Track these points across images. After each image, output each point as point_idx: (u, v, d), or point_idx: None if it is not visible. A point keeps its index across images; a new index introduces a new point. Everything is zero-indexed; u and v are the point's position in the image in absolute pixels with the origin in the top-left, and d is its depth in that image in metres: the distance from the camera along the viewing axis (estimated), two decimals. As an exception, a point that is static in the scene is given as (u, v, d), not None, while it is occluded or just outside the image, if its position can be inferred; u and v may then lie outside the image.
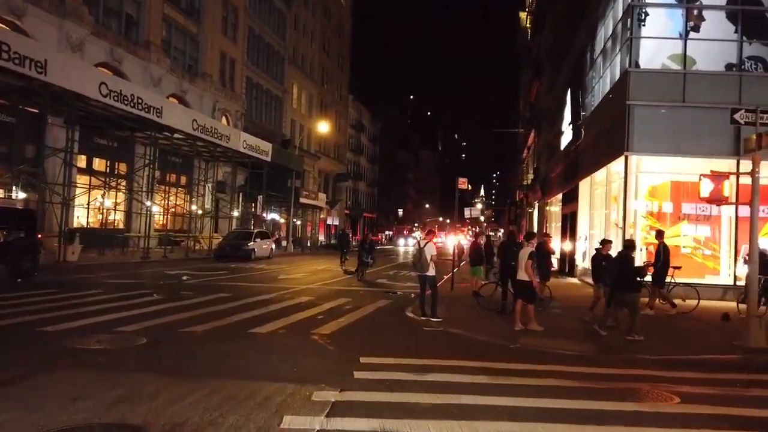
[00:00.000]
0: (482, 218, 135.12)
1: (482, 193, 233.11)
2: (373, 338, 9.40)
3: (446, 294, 15.18)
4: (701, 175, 9.70)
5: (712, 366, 8.28)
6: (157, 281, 16.55)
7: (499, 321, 11.38)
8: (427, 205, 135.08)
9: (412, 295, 15.47)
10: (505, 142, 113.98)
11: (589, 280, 17.41)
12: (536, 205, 45.11)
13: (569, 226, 26.32)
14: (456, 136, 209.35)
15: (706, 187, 9.39)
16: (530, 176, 49.97)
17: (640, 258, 15.42)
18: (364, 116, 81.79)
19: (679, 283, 13.36)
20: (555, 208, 33.87)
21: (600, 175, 19.99)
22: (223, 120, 38.26)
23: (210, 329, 9.37)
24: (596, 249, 11.81)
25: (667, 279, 12.98)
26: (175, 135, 27.85)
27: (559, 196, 30.61)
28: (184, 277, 17.65)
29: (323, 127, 50.96)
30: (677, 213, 16.46)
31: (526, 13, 63.45)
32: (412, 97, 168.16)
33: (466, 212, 41.42)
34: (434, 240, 11.94)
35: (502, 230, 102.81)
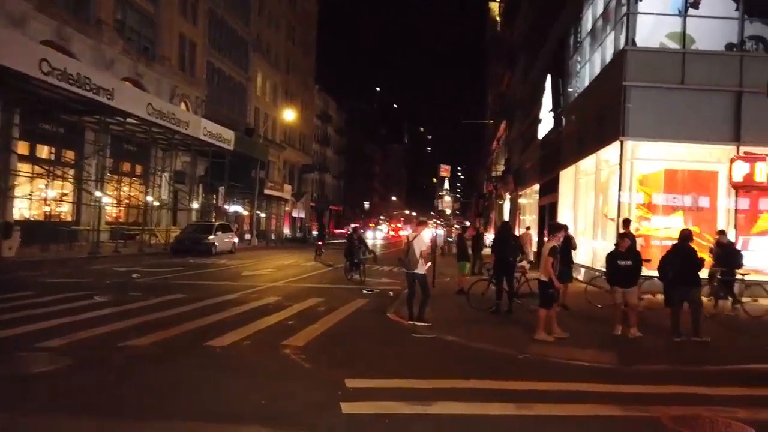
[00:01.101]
0: (448, 211, 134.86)
1: (447, 186, 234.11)
2: (357, 351, 7.86)
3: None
4: (734, 157, 8.48)
5: (750, 378, 7.08)
6: (102, 280, 14.63)
7: (497, 324, 10.02)
8: (394, 198, 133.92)
9: (391, 293, 14.06)
10: (471, 135, 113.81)
11: (580, 276, 16.30)
12: (507, 196, 44.24)
13: (548, 219, 25.27)
14: (422, 129, 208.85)
15: (740, 171, 8.18)
16: (501, 167, 49.11)
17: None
18: (330, 107, 79.78)
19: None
20: (529, 199, 32.90)
21: (586, 163, 18.89)
22: (183, 106, 35.92)
23: (158, 342, 7.70)
24: (615, 245, 10.24)
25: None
26: (129, 120, 25.60)
27: (536, 186, 29.59)
28: (135, 275, 15.73)
29: (289, 115, 48.94)
30: (671, 203, 15.41)
31: (498, 3, 62.47)
32: (378, 89, 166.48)
33: (438, 204, 40.13)
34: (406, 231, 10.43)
35: (468, 223, 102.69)
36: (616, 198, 16.53)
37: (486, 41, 78.89)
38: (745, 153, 8.94)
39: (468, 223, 49.83)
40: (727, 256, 11.40)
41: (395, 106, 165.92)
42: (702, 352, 8.29)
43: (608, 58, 16.60)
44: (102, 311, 9.95)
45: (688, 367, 7.46)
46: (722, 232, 11.85)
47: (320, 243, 27.21)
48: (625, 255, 8.80)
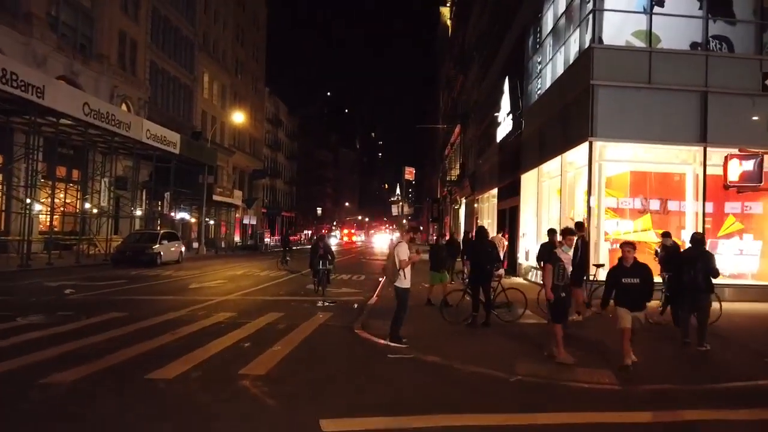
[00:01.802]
0: (395, 213, 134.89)
1: (398, 191, 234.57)
2: (328, 378, 6.78)
3: (389, 303, 12.90)
4: (729, 155, 7.96)
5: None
6: (29, 297, 13.02)
7: (476, 338, 9.17)
8: (347, 204, 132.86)
9: (355, 305, 13.07)
10: (421, 140, 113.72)
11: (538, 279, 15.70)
12: (463, 201, 43.93)
13: (509, 222, 24.84)
14: (373, 134, 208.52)
15: (735, 169, 7.63)
16: (456, 172, 48.83)
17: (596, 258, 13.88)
18: (281, 111, 78.01)
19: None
20: (487, 203, 32.54)
21: (550, 165, 18.44)
22: (124, 108, 33.85)
23: (85, 377, 6.44)
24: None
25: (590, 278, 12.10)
26: (63, 121, 23.67)
27: (494, 191, 29.19)
28: (68, 291, 14.10)
29: (238, 117, 47.21)
30: (636, 206, 15.06)
31: (448, 7, 62.50)
32: (329, 93, 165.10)
33: (394, 210, 39.51)
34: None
35: (431, 227, 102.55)
36: (583, 201, 16.26)
37: (437, 45, 79.05)
38: (740, 150, 8.43)
39: (416, 228, 49.34)
40: (671, 259, 10.76)
41: (346, 111, 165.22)
42: (706, 366, 7.71)
43: (572, 57, 16.17)
44: (23, 336, 8.55)
45: (688, 386, 6.80)
46: (667, 234, 11.19)
47: (285, 249, 27.39)
48: (632, 271, 7.26)
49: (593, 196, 14.09)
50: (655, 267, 9.52)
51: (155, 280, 18.54)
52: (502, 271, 10.15)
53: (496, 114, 27.65)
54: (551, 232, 10.61)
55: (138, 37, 37.72)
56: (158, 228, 32.15)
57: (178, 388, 6.16)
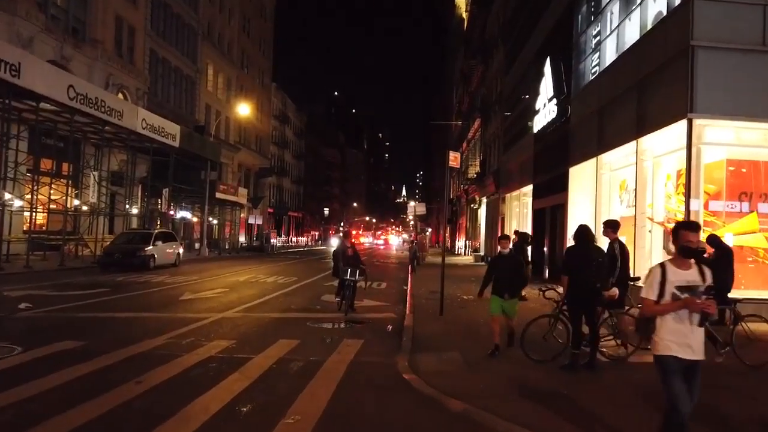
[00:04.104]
0: (410, 219, 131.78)
1: (404, 193, 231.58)
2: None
3: (432, 323, 9.91)
4: None
5: None
6: (-28, 314, 10.15)
7: (591, 396, 6.16)
8: (355, 204, 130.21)
9: (389, 327, 10.13)
10: (430, 142, 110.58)
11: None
12: (483, 200, 40.90)
13: (549, 224, 21.83)
14: (380, 135, 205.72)
15: None
16: (475, 169, 45.74)
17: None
18: (288, 108, 75.14)
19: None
20: (516, 203, 29.52)
21: (613, 155, 15.46)
22: (120, 97, 31.09)
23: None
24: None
25: None
26: (44, 105, 20.85)
27: (526, 188, 26.18)
28: (23, 305, 11.11)
29: (244, 110, 44.29)
30: (735, 207, 12.04)
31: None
32: (336, 93, 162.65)
33: (410, 209, 36.50)
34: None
35: (430, 230, 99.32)
36: (664, 195, 13.26)
37: (450, 40, 76.07)
38: None
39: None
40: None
41: (353, 111, 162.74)
42: None
43: (651, 21, 13.19)
44: None
45: None
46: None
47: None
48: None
49: (694, 199, 11.00)
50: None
51: (143, 288, 15.63)
52: (615, 291, 7.09)
53: (528, 100, 24.67)
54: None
55: (136, 23, 34.97)
56: (158, 226, 29.37)
57: None
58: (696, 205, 11.04)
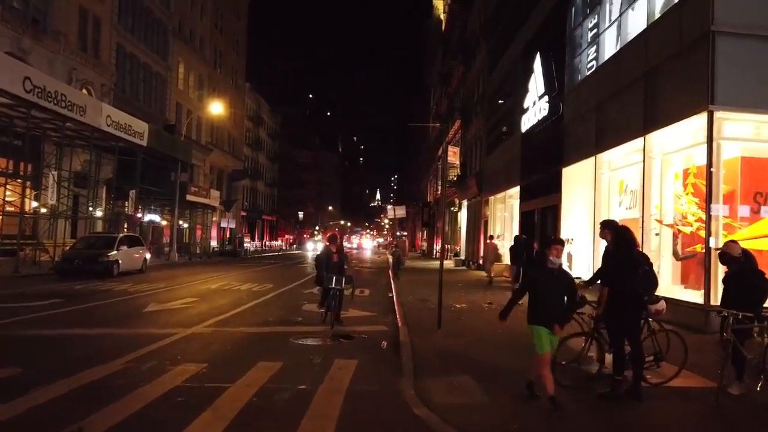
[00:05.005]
0: (386, 222, 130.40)
1: (378, 196, 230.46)
2: None
3: (431, 338, 8.74)
4: None
5: None
6: None
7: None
8: (330, 208, 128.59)
9: (383, 344, 8.94)
10: (404, 146, 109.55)
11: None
12: (464, 204, 39.96)
13: (540, 227, 20.90)
14: (354, 138, 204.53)
15: None
16: (455, 172, 44.77)
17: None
18: (263, 109, 73.36)
19: None
20: (500, 205, 28.58)
21: (613, 153, 14.54)
22: (84, 93, 29.27)
23: None
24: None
25: None
26: (-4, 99, 19.15)
27: (512, 190, 25.27)
28: (-43, 321, 9.69)
29: (216, 108, 42.65)
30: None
31: (442, 0, 58.65)
32: (311, 96, 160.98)
33: (389, 212, 35.40)
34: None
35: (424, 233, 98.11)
36: (673, 195, 12.33)
37: (428, 43, 75.25)
38: None
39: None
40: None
41: (328, 114, 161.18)
42: None
43: (659, 8, 12.29)
44: None
45: None
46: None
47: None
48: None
49: (715, 203, 10.04)
50: None
51: (103, 298, 14.12)
52: (663, 304, 5.99)
53: (515, 99, 23.77)
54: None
55: (102, 15, 33.12)
56: (126, 230, 27.64)
57: None
58: (717, 209, 10.09)
